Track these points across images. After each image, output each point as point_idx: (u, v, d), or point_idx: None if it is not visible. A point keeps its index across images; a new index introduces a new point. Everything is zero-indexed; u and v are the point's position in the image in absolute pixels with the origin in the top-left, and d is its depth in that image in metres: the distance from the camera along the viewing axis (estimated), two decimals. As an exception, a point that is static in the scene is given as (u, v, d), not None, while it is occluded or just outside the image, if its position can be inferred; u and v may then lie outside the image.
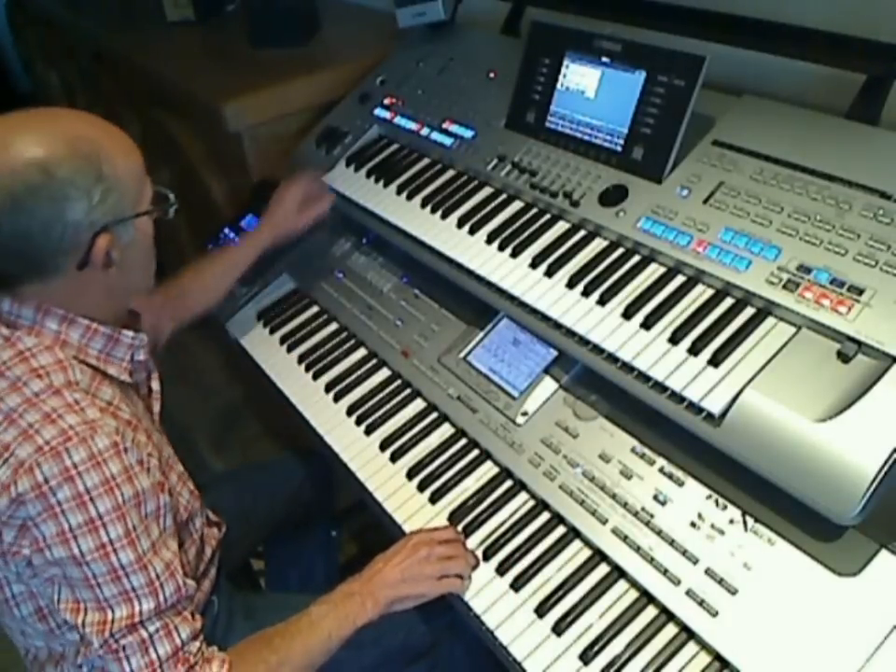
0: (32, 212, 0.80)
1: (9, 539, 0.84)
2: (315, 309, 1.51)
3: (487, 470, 1.14)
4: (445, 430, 1.21)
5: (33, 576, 0.87)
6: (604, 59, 1.18)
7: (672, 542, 0.92)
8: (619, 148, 1.17)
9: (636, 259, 1.09)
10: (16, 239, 0.81)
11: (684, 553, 0.91)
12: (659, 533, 0.94)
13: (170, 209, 0.96)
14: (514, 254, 1.16)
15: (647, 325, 0.99)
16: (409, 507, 1.12)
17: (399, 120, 1.52)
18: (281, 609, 1.03)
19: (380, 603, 0.96)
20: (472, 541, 1.06)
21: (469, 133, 1.39)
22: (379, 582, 0.97)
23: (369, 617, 0.96)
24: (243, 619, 1.13)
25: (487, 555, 1.03)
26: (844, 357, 0.85)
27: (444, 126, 1.43)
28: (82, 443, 0.81)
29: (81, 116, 0.87)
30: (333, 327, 1.46)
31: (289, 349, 1.45)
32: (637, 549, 0.94)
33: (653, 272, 1.06)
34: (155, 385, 1.07)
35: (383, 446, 1.21)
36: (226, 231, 1.67)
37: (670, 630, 0.90)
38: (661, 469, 0.99)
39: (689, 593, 0.88)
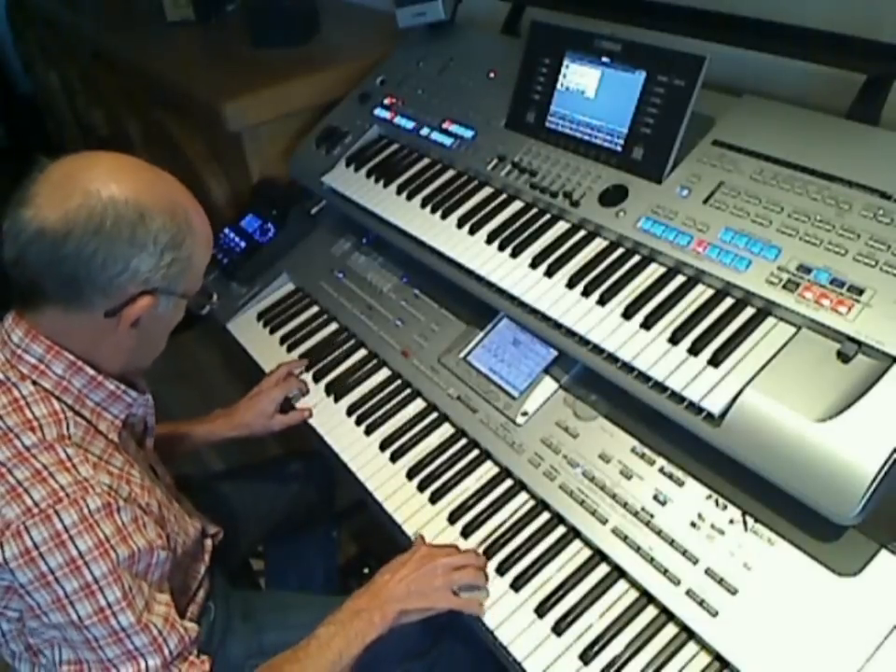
0: (108, 242, 0.80)
1: None
2: (315, 309, 1.51)
3: (487, 470, 1.14)
4: (445, 430, 1.21)
5: (25, 629, 0.84)
6: (604, 59, 1.18)
7: (672, 542, 0.92)
8: (619, 148, 1.17)
9: (636, 259, 1.09)
10: (76, 258, 0.80)
11: (684, 553, 0.91)
12: (659, 533, 0.94)
13: (206, 307, 1.01)
14: (514, 254, 1.16)
15: (647, 325, 0.99)
16: (409, 507, 1.12)
17: (398, 120, 1.52)
18: (279, 608, 1.02)
19: (388, 617, 0.95)
20: (472, 541, 1.06)
21: (469, 133, 1.39)
22: (386, 596, 0.96)
23: (378, 632, 0.94)
24: (241, 620, 1.12)
25: (487, 556, 1.03)
26: (844, 357, 0.85)
27: (444, 126, 1.43)
28: (73, 505, 0.78)
29: (188, 193, 0.91)
30: (333, 327, 1.46)
31: (289, 349, 1.45)
32: (637, 549, 0.94)
33: (653, 272, 1.06)
34: (150, 420, 1.04)
35: (383, 446, 1.21)
36: (226, 230, 1.67)
37: (670, 630, 0.90)
38: (661, 469, 0.99)
39: (689, 593, 0.88)
